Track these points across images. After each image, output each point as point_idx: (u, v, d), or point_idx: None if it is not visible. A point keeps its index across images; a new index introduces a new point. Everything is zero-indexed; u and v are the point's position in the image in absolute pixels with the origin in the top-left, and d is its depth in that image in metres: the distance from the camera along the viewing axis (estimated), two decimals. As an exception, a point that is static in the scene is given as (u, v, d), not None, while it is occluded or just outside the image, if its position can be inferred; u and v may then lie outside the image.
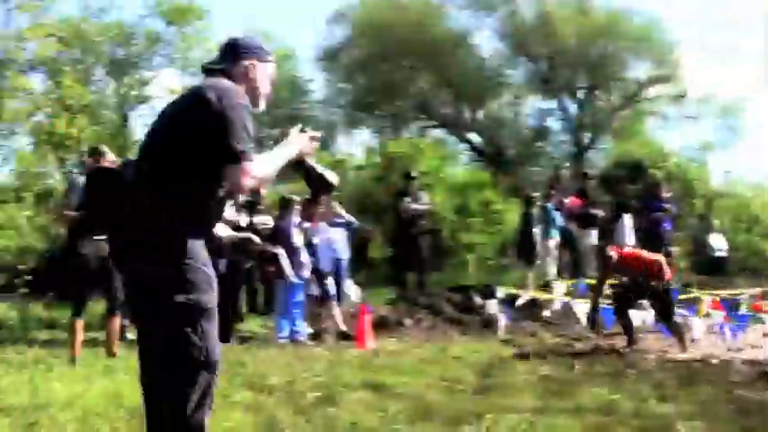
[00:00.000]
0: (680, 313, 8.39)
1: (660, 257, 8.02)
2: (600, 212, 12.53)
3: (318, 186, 3.18)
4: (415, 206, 10.87)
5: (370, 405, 4.84)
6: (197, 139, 2.72)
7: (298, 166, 3.08)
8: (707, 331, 8.61)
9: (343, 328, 8.63)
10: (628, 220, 12.14)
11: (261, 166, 2.79)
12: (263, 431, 4.20)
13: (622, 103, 20.86)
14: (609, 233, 12.39)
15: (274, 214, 8.93)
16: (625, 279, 7.97)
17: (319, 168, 3.13)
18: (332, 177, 3.16)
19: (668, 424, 4.41)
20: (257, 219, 8.70)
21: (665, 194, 12.78)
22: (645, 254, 8.07)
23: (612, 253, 7.78)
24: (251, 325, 9.44)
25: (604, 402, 5.02)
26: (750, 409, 4.87)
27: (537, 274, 11.54)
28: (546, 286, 11.27)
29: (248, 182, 2.75)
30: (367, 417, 4.48)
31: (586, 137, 21.16)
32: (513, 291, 9.89)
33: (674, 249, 12.68)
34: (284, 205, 8.69)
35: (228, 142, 2.69)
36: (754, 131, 38.47)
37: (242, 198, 8.24)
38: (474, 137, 21.63)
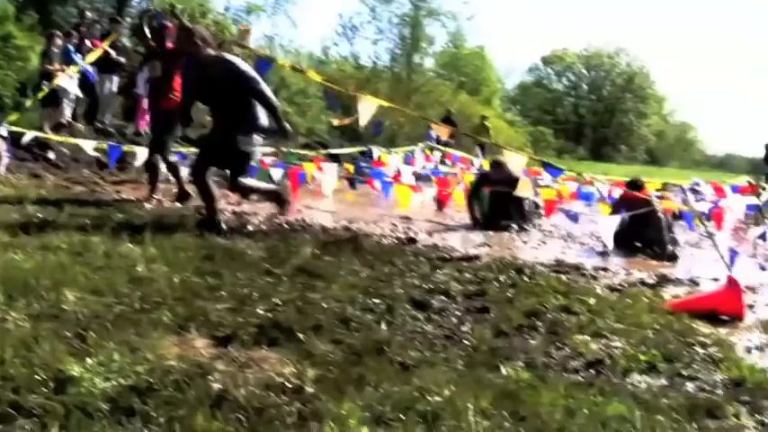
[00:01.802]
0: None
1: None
2: (124, 60, 12.41)
3: None
4: None
5: None
6: None
7: None
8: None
9: None
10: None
11: None
12: None
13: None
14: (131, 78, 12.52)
15: None
16: None
17: None
18: None
19: (132, 264, 4.43)
20: None
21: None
22: None
23: None
24: None
25: (77, 243, 4.92)
26: (214, 255, 4.98)
27: (53, 114, 11.11)
28: (59, 127, 10.96)
29: None
30: None
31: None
32: (19, 129, 9.33)
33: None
34: None
35: None
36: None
37: None
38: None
